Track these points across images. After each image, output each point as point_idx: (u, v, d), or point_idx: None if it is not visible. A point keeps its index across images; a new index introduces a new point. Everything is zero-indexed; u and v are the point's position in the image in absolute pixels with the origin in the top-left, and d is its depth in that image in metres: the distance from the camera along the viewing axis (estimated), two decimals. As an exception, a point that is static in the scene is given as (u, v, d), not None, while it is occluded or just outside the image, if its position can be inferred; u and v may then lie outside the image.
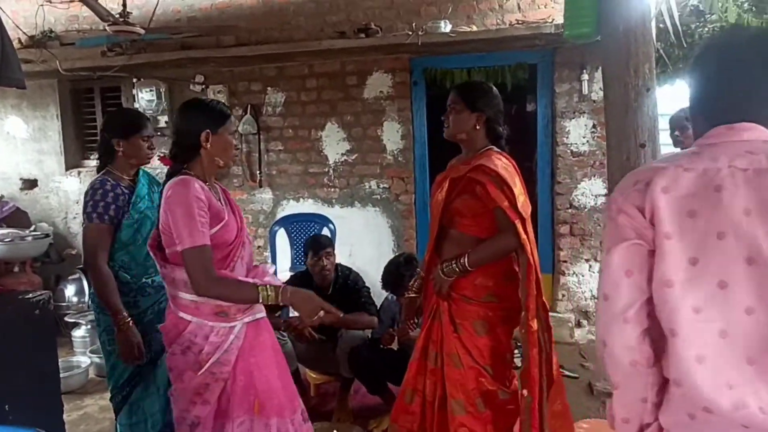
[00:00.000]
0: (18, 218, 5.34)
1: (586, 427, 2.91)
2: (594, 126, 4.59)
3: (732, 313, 0.98)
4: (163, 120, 5.27)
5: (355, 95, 4.94)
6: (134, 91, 5.19)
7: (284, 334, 3.20)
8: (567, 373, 3.80)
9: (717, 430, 1.02)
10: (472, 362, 2.16)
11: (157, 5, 4.40)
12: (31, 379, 2.14)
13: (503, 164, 2.12)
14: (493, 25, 4.55)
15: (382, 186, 4.98)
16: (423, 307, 2.45)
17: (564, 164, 4.66)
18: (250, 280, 1.92)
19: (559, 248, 4.73)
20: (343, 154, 5.01)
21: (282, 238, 4.75)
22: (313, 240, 3.47)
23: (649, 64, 1.59)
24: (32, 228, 5.14)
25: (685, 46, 4.12)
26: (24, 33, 4.95)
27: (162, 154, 2.05)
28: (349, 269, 3.51)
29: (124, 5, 4.03)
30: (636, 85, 1.58)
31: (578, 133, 4.62)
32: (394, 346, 3.24)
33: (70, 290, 4.96)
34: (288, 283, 3.18)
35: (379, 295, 3.51)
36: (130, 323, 2.23)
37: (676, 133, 3.13)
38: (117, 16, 3.99)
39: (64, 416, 2.45)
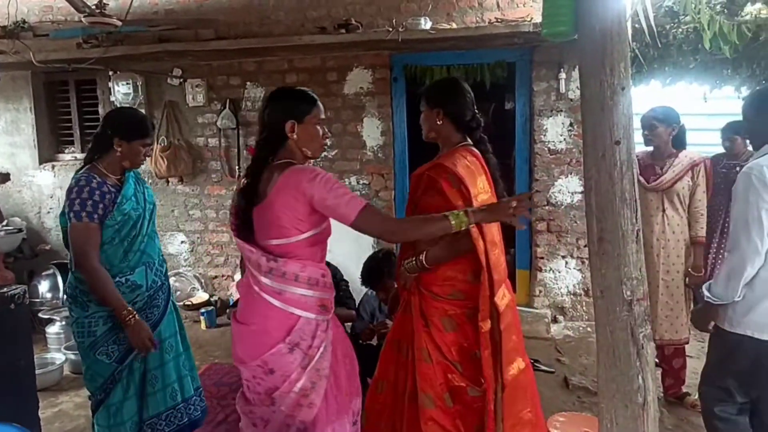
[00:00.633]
0: (-11, 213, 5.23)
1: (563, 420, 2.96)
2: (571, 124, 4.65)
3: None
4: (140, 114, 5.20)
5: (335, 91, 4.93)
6: (110, 84, 5.12)
7: None
8: (543, 367, 3.87)
9: None
10: (440, 358, 2.17)
11: (134, -3, 4.33)
12: (6, 373, 2.11)
13: (465, 162, 2.12)
14: (473, 22, 4.58)
15: (361, 182, 4.99)
16: None
17: (541, 162, 4.72)
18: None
19: (536, 245, 4.80)
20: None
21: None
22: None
23: (625, 63, 1.62)
24: (4, 223, 5.04)
25: (659, 46, 4.21)
26: (-4, 23, 4.84)
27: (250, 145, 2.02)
28: (328, 263, 3.51)
29: (101, -4, 3.97)
30: (612, 84, 1.61)
31: (555, 131, 4.68)
32: (374, 341, 3.26)
33: (44, 286, 4.88)
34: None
35: (358, 291, 3.52)
36: (136, 315, 2.22)
37: (646, 132, 3.22)
38: (93, 7, 3.91)
39: (39, 413, 2.42)
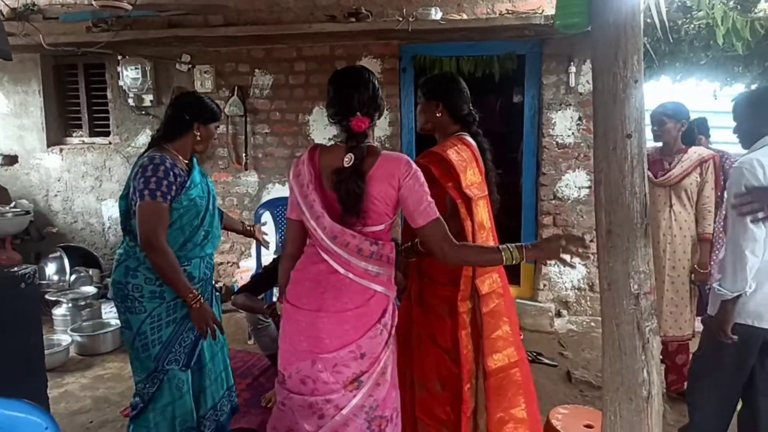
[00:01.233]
0: (-3, 194, 5.26)
1: (565, 413, 2.97)
2: (580, 118, 4.64)
3: None
4: (148, 99, 5.21)
5: (343, 80, 4.92)
6: (119, 69, 5.12)
7: (266, 318, 3.22)
8: (546, 361, 3.88)
9: None
10: (433, 344, 2.19)
11: (144, -19, 4.33)
12: (15, 352, 2.13)
13: (456, 149, 2.15)
14: (483, 14, 4.56)
15: (368, 172, 4.98)
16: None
17: (549, 156, 4.71)
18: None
19: (542, 239, 4.79)
20: (330, 139, 4.99)
21: (267, 221, 4.74)
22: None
23: (638, 56, 1.61)
24: (12, 204, 5.06)
25: (671, 41, 4.18)
26: (6, 5, 4.84)
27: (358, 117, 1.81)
28: None
29: (111, -20, 3.97)
30: (624, 77, 1.60)
31: (564, 125, 4.67)
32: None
33: (51, 268, 4.92)
34: (273, 264, 3.19)
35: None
36: (201, 299, 2.23)
37: (655, 127, 3.21)
38: (103, -9, 3.92)
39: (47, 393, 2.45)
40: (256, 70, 5.10)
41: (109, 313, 4.40)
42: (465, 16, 4.47)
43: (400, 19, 4.39)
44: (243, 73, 5.13)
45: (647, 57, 4.44)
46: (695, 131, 3.51)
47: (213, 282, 2.53)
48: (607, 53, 1.63)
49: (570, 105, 4.64)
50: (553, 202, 4.75)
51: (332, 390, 1.80)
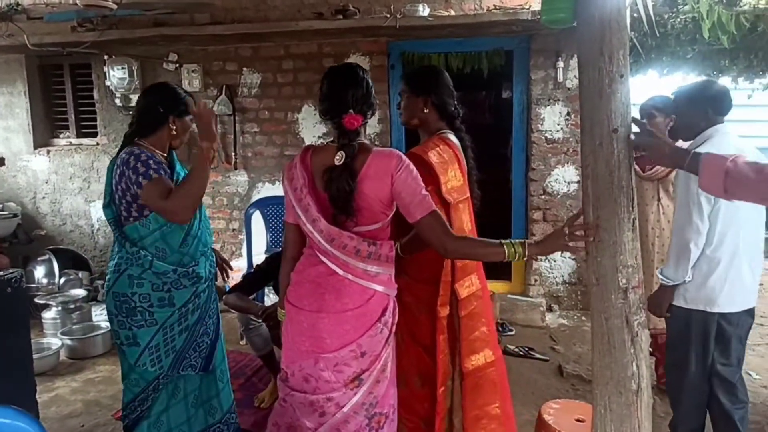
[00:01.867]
0: (-17, 197, 5.21)
1: (556, 408, 2.98)
2: (568, 113, 4.65)
3: None
4: (135, 99, 5.14)
5: (332, 78, 4.90)
6: (105, 69, 5.07)
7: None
8: (537, 355, 3.90)
9: None
10: (413, 341, 2.19)
11: (129, -20, 4.29)
12: (3, 357, 2.11)
13: (437, 150, 2.12)
14: (471, 10, 4.56)
15: (358, 169, 4.97)
16: None
17: (538, 151, 4.72)
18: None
19: (532, 234, 4.81)
20: (319, 137, 4.99)
21: (257, 220, 4.73)
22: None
23: (624, 51, 1.62)
24: (-1, 208, 5.02)
25: (657, 35, 4.20)
26: (-11, 5, 4.78)
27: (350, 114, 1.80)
28: None
29: (95, -21, 3.92)
30: (610, 71, 1.60)
31: (553, 120, 4.68)
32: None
33: (39, 271, 4.89)
34: (265, 263, 3.18)
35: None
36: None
37: (644, 120, 3.22)
38: (88, -10, 3.87)
39: (36, 397, 2.43)
40: (244, 69, 5.07)
41: (99, 315, 4.37)
42: (453, 13, 4.46)
43: (388, 15, 4.38)
44: (231, 71, 5.10)
45: (634, 51, 4.47)
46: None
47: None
48: (592, 48, 1.63)
49: (558, 100, 4.65)
50: (543, 197, 4.76)
51: (333, 389, 1.81)
